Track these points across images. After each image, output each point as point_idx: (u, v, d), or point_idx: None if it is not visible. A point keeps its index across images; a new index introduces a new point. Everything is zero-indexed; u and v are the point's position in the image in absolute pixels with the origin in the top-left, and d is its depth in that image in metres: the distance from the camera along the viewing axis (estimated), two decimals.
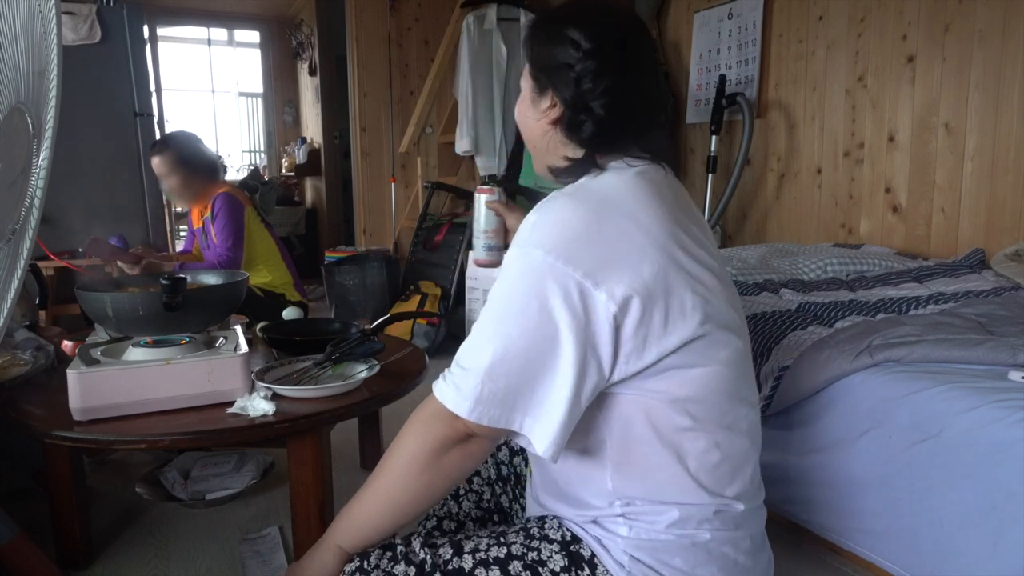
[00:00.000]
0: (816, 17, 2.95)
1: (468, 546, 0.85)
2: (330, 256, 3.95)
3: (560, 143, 0.92)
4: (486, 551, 0.84)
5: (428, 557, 0.83)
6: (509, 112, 3.86)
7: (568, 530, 0.87)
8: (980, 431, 1.14)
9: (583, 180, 0.87)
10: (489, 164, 3.85)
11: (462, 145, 3.77)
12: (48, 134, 1.14)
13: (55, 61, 1.13)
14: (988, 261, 2.23)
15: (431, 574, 0.82)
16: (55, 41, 1.14)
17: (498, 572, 0.82)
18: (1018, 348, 1.29)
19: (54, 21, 1.14)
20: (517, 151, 3.77)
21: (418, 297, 3.22)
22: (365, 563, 0.83)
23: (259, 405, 1.26)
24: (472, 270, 3.08)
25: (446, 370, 0.81)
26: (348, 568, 0.83)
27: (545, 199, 0.84)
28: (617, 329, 0.76)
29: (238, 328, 1.55)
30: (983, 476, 1.13)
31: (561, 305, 0.74)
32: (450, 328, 3.25)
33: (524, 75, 0.95)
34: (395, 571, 0.82)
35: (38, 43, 1.22)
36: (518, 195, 3.57)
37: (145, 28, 3.77)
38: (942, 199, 2.51)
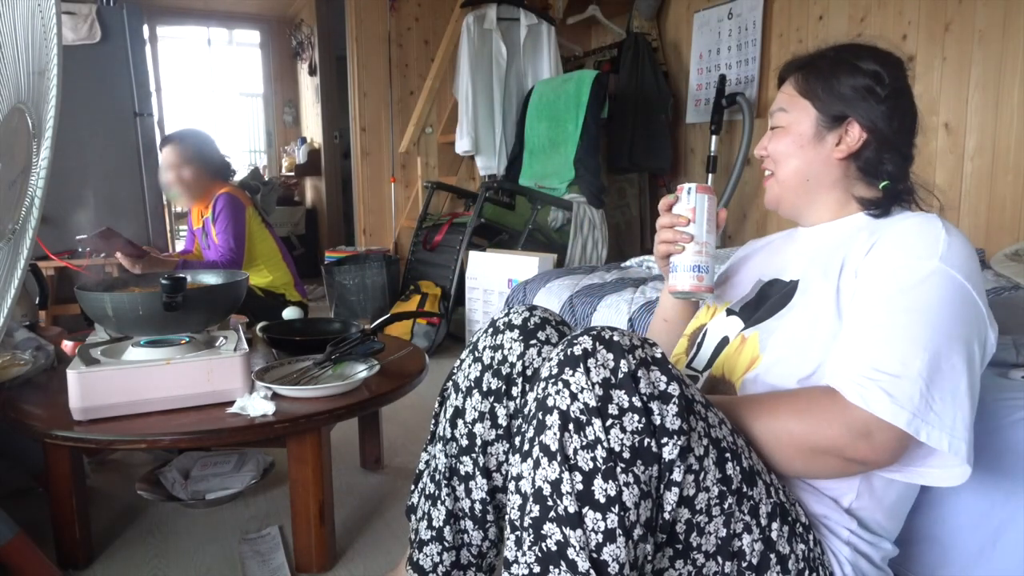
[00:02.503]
0: (816, 17, 2.95)
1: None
2: (330, 256, 3.95)
3: (851, 178, 0.93)
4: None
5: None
6: (509, 112, 3.86)
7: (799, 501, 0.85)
8: (980, 431, 1.14)
9: (916, 214, 0.89)
10: (489, 164, 3.85)
11: (462, 145, 3.77)
12: (48, 134, 1.14)
13: (55, 61, 1.13)
14: (988, 261, 2.23)
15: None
16: (55, 41, 1.14)
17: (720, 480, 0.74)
18: (1019, 347, 1.29)
19: (54, 21, 1.14)
20: (517, 151, 3.77)
21: (418, 297, 3.22)
22: None
23: (259, 405, 1.26)
24: (472, 270, 3.07)
25: (856, 373, 0.74)
26: None
27: (932, 217, 0.85)
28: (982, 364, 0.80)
29: (238, 328, 1.55)
30: (983, 476, 1.13)
31: (973, 336, 0.79)
32: (450, 328, 3.25)
33: (796, 109, 0.93)
34: None
35: (38, 43, 1.22)
36: (518, 195, 3.57)
37: (145, 28, 3.77)
38: (942, 199, 2.51)
